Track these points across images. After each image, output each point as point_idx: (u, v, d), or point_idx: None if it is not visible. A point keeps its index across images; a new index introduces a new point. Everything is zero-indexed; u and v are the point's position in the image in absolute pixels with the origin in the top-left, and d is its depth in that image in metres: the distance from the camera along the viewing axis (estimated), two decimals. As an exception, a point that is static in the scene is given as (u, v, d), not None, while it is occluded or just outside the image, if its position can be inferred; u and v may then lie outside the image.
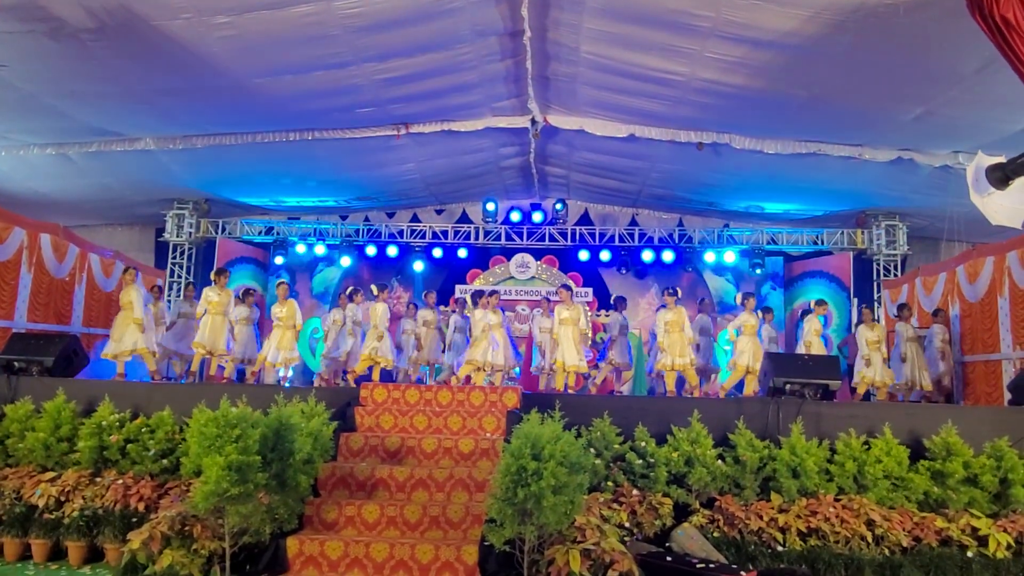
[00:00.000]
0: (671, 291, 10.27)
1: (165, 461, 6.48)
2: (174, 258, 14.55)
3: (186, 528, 5.11)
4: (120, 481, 6.26)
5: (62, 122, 10.06)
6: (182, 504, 5.34)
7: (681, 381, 10.36)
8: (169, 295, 13.80)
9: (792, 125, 9.97)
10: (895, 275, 13.39)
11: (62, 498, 6.23)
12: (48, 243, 10.65)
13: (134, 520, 5.84)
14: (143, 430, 6.66)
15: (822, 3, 6.90)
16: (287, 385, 10.36)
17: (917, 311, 11.39)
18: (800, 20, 7.22)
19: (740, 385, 10.32)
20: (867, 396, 10.23)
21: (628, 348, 11.52)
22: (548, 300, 11.11)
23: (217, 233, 14.84)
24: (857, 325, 10.85)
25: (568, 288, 10.40)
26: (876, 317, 10.52)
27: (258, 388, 8.60)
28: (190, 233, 14.47)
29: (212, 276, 10.24)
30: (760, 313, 10.85)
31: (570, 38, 8.81)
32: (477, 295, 10.26)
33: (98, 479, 6.38)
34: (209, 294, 9.75)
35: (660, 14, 7.68)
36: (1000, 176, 4.37)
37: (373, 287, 10.43)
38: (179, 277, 14.34)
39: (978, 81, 7.68)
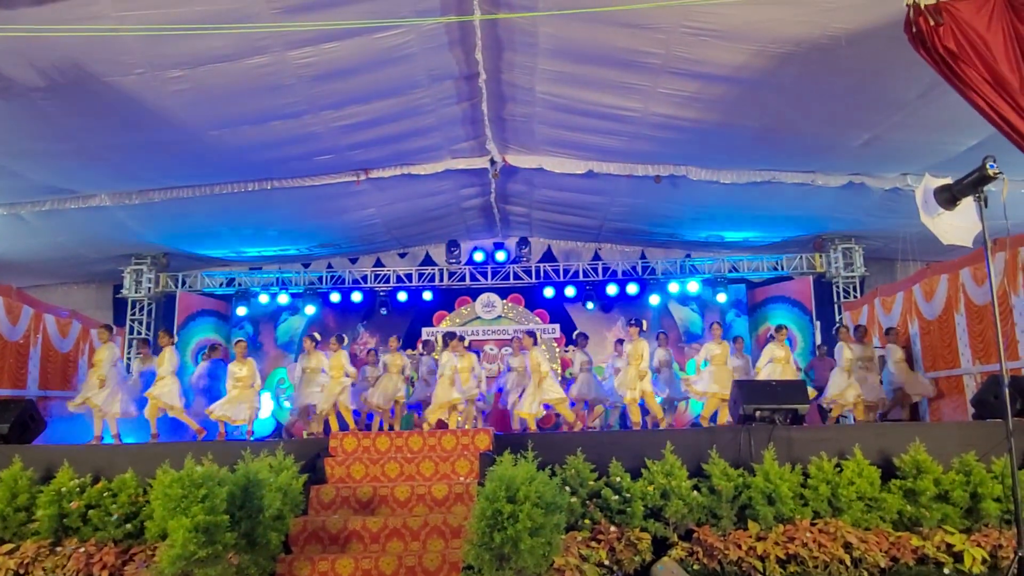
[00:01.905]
0: (634, 322, 10.34)
1: (129, 526, 6.28)
2: (133, 314, 14.26)
3: (153, 595, 4.94)
4: (82, 549, 6.05)
5: (14, 182, 9.89)
6: (148, 570, 5.18)
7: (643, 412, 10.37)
8: (128, 353, 13.48)
9: (746, 155, 10.19)
10: (855, 297, 13.63)
11: (21, 571, 6.00)
12: (1, 305, 10.38)
13: (98, 590, 5.64)
14: (105, 494, 6.46)
15: (767, 37, 7.11)
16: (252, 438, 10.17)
17: (878, 331, 11.59)
18: (748, 54, 7.43)
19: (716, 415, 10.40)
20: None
21: (596, 381, 11.58)
22: (523, 337, 10.96)
23: (177, 287, 14.60)
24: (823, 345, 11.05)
25: (532, 334, 10.37)
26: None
27: (224, 444, 8.40)
28: (149, 288, 14.20)
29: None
30: (732, 341, 11.10)
31: (525, 79, 8.94)
32: (449, 337, 10.24)
33: (59, 548, 6.16)
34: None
35: (612, 53, 7.85)
36: (948, 197, 4.48)
37: (333, 339, 10.43)
38: (139, 334, 14.03)
39: (921, 106, 7.96)
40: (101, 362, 9.54)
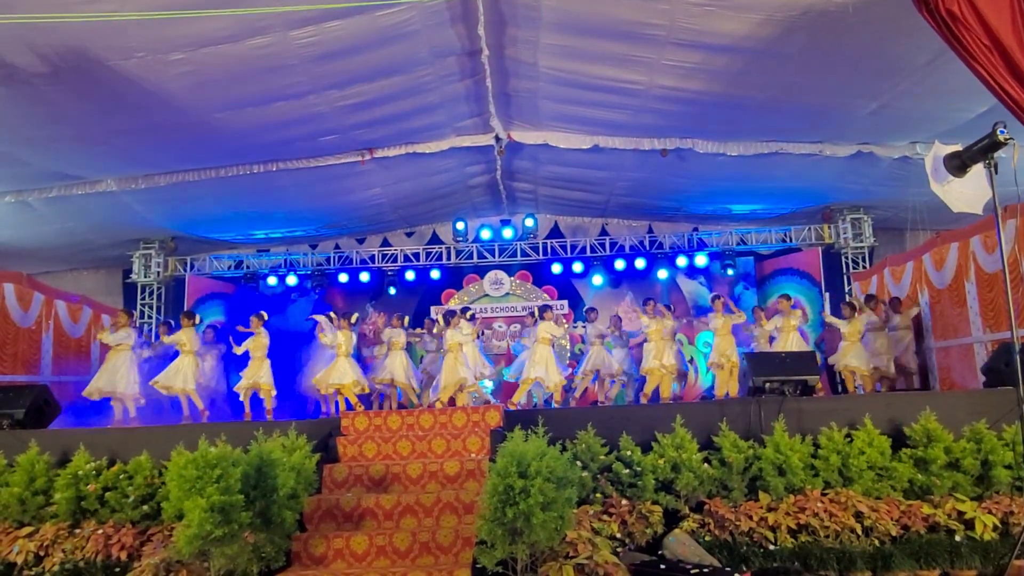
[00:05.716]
0: (650, 302, 10.59)
1: (145, 507, 6.35)
2: (143, 299, 14.33)
3: (171, 574, 5.01)
4: (100, 531, 6.13)
5: (20, 169, 9.90)
6: (165, 550, 5.23)
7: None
8: (141, 337, 13.55)
9: (752, 126, 10.09)
10: (863, 267, 13.56)
11: (41, 553, 6.08)
12: (12, 292, 10.45)
13: (117, 570, 5.75)
14: (121, 477, 6.53)
15: (773, 5, 7.01)
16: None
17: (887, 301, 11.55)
18: (753, 23, 7.33)
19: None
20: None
21: (609, 354, 11.65)
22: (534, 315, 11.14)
23: (186, 271, 14.65)
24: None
25: (549, 308, 10.57)
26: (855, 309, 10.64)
27: (237, 425, 8.47)
28: (158, 272, 14.26)
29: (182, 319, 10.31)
30: (748, 313, 11.51)
31: (528, 54, 8.86)
32: (449, 315, 10.31)
33: (77, 531, 6.24)
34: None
35: (615, 25, 7.75)
36: (957, 164, 4.44)
37: (339, 316, 10.50)
38: (149, 318, 14.12)
39: (929, 73, 7.84)
40: (122, 347, 9.55)
